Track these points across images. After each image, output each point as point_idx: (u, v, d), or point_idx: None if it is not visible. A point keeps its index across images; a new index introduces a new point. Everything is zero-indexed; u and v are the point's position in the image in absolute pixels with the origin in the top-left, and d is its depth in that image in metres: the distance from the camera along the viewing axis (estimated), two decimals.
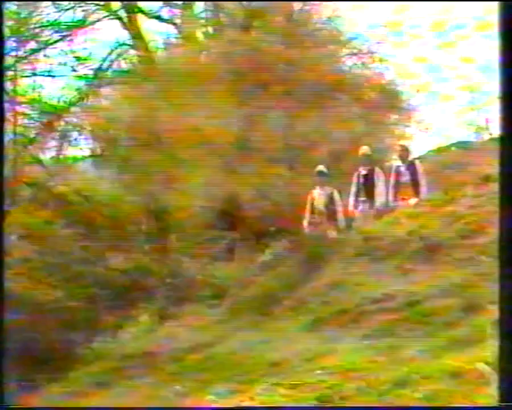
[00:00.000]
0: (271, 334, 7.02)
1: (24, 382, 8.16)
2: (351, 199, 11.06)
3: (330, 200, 11.20)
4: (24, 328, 8.95)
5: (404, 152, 11.04)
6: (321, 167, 11.48)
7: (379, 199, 10.84)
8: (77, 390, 7.50)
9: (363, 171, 11.08)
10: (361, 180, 11.05)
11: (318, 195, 11.29)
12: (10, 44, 12.50)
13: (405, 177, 10.71)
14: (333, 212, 11.15)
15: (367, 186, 10.96)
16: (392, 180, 10.83)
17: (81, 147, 15.12)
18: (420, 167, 10.99)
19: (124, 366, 7.87)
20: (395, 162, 11.28)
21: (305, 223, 11.36)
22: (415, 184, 10.61)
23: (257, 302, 8.29)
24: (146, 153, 13.05)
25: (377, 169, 11.08)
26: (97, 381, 7.56)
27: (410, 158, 11.12)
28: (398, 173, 10.80)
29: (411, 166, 10.80)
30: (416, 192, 10.53)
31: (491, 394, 3.98)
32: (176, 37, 16.42)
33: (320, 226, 11.09)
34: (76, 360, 8.85)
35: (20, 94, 13.57)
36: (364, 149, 11.27)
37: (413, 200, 10.36)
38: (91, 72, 15.07)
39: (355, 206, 10.98)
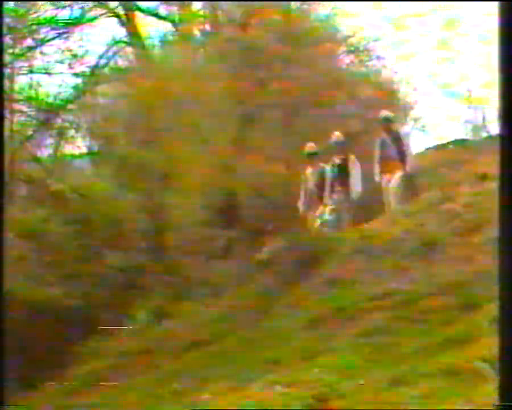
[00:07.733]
0: (269, 332, 7.02)
1: (22, 380, 8.15)
2: (327, 189, 10.80)
3: (321, 175, 11.05)
4: (20, 326, 8.93)
5: (388, 123, 10.56)
6: (310, 147, 11.37)
7: (355, 189, 10.55)
8: (74, 388, 7.51)
9: (337, 160, 10.84)
10: (335, 168, 10.78)
11: (310, 174, 11.23)
12: (7, 41, 12.46)
13: (391, 151, 10.28)
14: (322, 188, 10.94)
15: (342, 175, 10.67)
16: (376, 155, 10.43)
17: (78, 145, 15.12)
18: (405, 137, 10.61)
19: (121, 364, 7.86)
20: (380, 135, 10.67)
21: (299, 204, 11.30)
22: (401, 156, 10.20)
23: (255, 300, 8.29)
24: (143, 151, 13.04)
25: (352, 158, 10.76)
26: (95, 379, 7.55)
27: (394, 129, 10.62)
28: (383, 147, 10.39)
29: (396, 138, 10.38)
30: (403, 164, 10.15)
31: (488, 392, 3.99)
32: (173, 35, 16.40)
33: (312, 206, 11.02)
34: (73, 358, 8.82)
35: (17, 92, 13.53)
36: (336, 135, 10.95)
37: (398, 174, 10.09)
38: (88, 70, 15.05)
39: (331, 196, 10.74)
